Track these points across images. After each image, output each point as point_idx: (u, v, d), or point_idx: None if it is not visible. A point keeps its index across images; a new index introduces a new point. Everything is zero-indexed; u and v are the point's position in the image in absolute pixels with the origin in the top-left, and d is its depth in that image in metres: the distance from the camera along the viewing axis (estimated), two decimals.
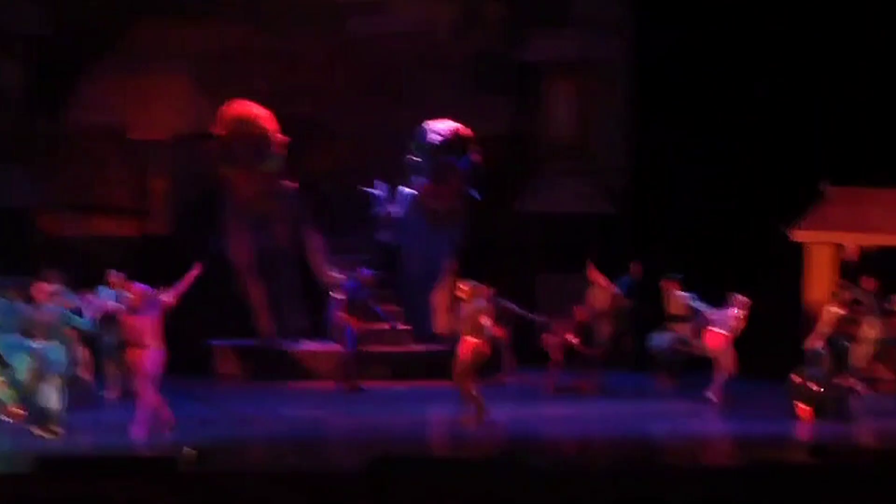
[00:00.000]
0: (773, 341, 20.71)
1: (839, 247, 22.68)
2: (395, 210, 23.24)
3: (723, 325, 20.04)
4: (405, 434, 17.36)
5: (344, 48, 25.25)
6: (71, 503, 11.21)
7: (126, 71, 24.43)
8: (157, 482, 13.60)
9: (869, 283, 21.48)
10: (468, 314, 17.80)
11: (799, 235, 22.73)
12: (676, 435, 17.63)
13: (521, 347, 21.52)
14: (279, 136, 22.33)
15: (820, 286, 22.41)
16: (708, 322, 20.25)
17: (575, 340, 20.72)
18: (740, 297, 20.11)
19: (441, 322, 22.72)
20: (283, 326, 22.58)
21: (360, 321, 21.07)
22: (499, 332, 19.95)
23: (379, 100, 24.97)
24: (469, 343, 17.68)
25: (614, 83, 25.48)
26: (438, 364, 19.85)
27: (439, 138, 22.74)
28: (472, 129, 22.71)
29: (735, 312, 20.04)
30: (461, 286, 18.15)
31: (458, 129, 22.85)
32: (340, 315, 21.05)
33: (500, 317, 20.08)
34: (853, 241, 22.55)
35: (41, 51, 23.70)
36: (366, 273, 21.52)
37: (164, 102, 24.68)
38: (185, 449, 14.52)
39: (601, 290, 22.01)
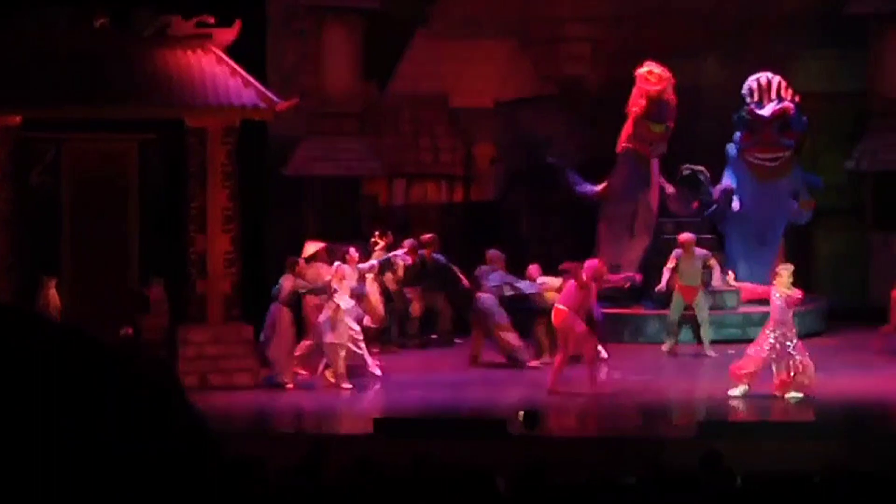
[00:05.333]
0: None
1: None
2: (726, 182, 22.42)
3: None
4: None
5: (663, 5, 24.73)
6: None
7: (449, 38, 24.48)
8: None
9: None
10: None
11: None
12: None
13: None
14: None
15: None
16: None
17: None
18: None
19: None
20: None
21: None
22: None
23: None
24: None
25: None
26: None
27: (745, 89, 22.14)
28: (799, 86, 21.88)
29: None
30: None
31: (762, 76, 22.07)
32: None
33: None
34: None
35: (371, 22, 23.85)
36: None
37: (487, 68, 24.67)
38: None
39: None
